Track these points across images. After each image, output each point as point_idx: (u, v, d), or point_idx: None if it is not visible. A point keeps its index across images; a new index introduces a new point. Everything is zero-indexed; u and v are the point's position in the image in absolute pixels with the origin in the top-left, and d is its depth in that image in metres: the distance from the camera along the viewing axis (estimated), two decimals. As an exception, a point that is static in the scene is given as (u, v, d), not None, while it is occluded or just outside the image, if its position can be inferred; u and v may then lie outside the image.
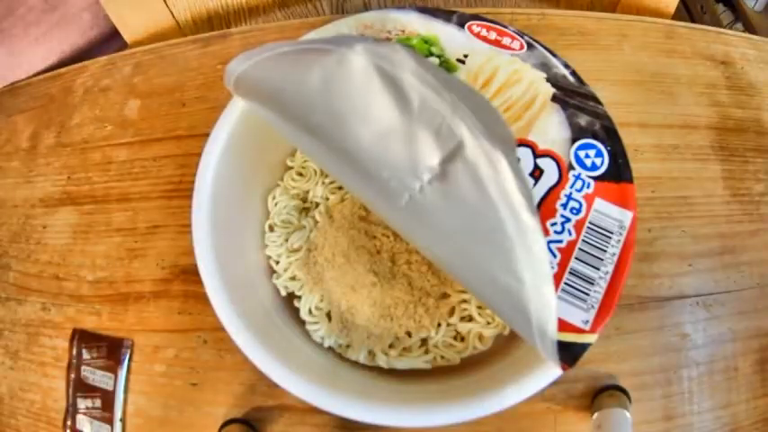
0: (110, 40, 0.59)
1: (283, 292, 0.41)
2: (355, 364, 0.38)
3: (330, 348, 0.39)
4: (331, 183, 0.42)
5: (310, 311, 0.40)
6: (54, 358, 0.45)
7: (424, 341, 0.38)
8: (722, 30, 0.55)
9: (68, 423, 0.44)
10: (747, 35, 0.55)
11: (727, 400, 0.42)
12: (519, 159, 0.28)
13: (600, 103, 0.38)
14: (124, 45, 0.58)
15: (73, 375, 0.44)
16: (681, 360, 0.42)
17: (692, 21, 1.09)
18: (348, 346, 0.39)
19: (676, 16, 0.57)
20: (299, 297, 0.40)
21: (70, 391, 0.44)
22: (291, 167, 0.43)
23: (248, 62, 0.33)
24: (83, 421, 0.44)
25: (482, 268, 0.30)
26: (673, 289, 0.44)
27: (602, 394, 0.40)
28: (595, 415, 0.39)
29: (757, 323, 0.44)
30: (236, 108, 0.38)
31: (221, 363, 0.43)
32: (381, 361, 0.38)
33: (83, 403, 0.44)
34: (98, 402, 0.43)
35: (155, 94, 0.52)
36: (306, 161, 0.43)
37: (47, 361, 0.45)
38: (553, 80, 0.38)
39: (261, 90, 0.33)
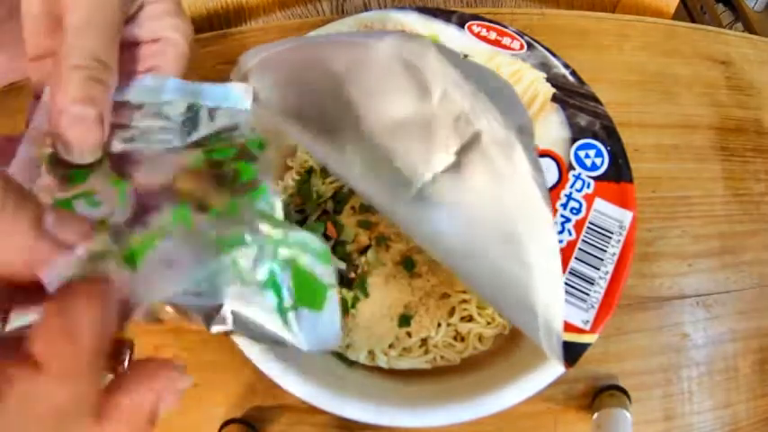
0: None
1: (283, 292, 0.41)
2: (355, 363, 0.38)
3: None
4: (332, 182, 0.42)
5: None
6: (54, 358, 0.45)
7: (424, 341, 0.38)
8: (722, 30, 0.55)
9: (68, 423, 0.44)
10: (747, 35, 0.55)
11: (727, 400, 0.42)
12: (536, 147, 0.28)
13: (600, 103, 0.38)
14: (124, 45, 0.58)
15: (73, 375, 0.44)
16: (681, 360, 0.42)
17: (692, 21, 1.09)
18: (348, 346, 0.39)
19: (676, 16, 0.57)
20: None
21: (70, 391, 0.44)
22: (291, 167, 0.43)
23: (263, 54, 0.33)
24: (83, 421, 0.44)
25: (490, 260, 0.29)
26: (673, 289, 0.44)
27: (602, 394, 0.40)
28: (595, 415, 0.39)
29: (757, 323, 0.44)
30: None
31: (221, 363, 0.43)
32: (381, 361, 0.38)
33: (83, 403, 0.44)
34: (98, 402, 0.43)
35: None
36: (306, 161, 0.43)
37: (47, 361, 0.45)
38: (553, 80, 0.38)
39: (272, 82, 0.33)
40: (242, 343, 0.34)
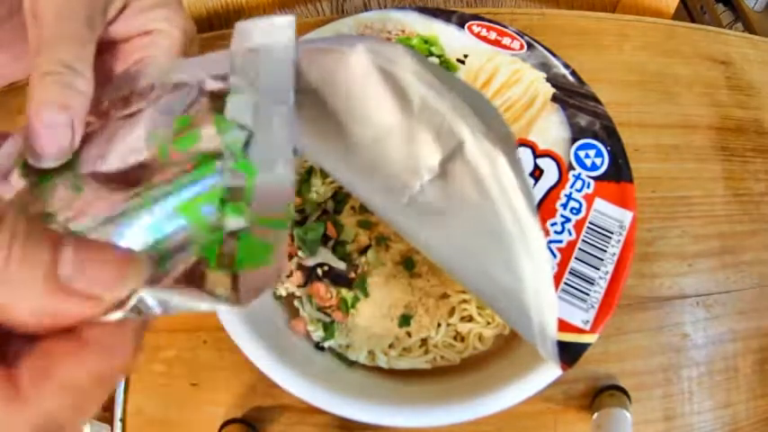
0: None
1: (283, 292, 0.41)
2: (355, 363, 0.38)
3: (330, 348, 0.39)
4: (331, 182, 0.42)
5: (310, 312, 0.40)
6: (54, 358, 0.45)
7: (423, 341, 0.38)
8: (722, 30, 0.55)
9: (68, 423, 0.44)
10: (747, 35, 0.55)
11: (727, 400, 0.42)
12: (519, 159, 0.28)
13: (600, 103, 0.38)
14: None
15: (73, 375, 0.44)
16: (681, 360, 0.42)
17: (692, 21, 1.09)
18: (348, 346, 0.39)
19: (676, 16, 0.57)
20: (299, 297, 0.40)
21: (70, 391, 0.44)
22: (291, 167, 0.43)
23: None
24: (83, 421, 0.44)
25: (482, 268, 0.30)
26: (673, 289, 0.44)
27: (602, 394, 0.40)
28: (595, 415, 0.39)
29: (757, 323, 0.44)
30: None
31: (221, 363, 0.43)
32: (381, 361, 0.38)
33: (83, 403, 0.44)
34: (98, 402, 0.43)
35: (155, 94, 0.52)
36: (305, 161, 0.43)
37: (47, 361, 0.45)
38: (553, 80, 0.38)
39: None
40: (242, 344, 0.34)
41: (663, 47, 0.52)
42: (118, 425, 0.43)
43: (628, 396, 0.40)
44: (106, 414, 0.43)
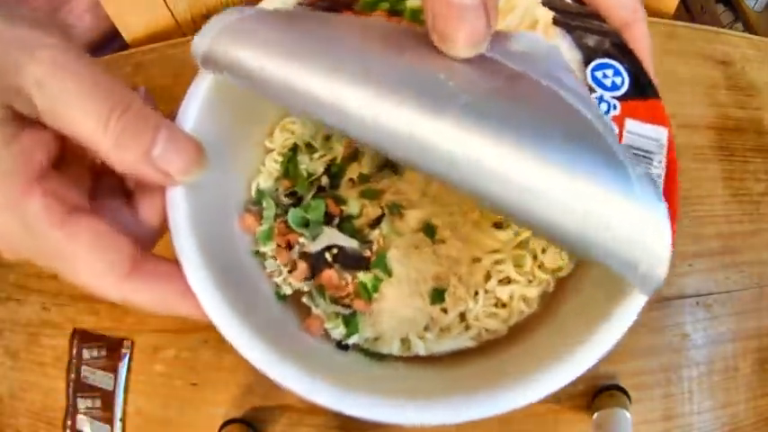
0: (110, 41, 0.59)
1: (288, 291, 0.34)
2: (388, 357, 0.32)
3: (355, 345, 0.33)
4: (321, 156, 0.36)
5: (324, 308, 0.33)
6: (54, 358, 0.45)
7: (462, 316, 0.32)
8: (722, 30, 0.55)
9: (68, 423, 0.44)
10: (747, 35, 0.55)
11: (727, 400, 0.42)
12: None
13: (604, 21, 0.33)
14: (124, 45, 0.58)
15: (73, 375, 0.44)
16: (681, 360, 0.42)
17: (692, 21, 1.08)
18: (377, 339, 0.32)
19: (676, 16, 0.57)
20: (308, 293, 0.34)
21: (70, 391, 0.44)
22: (272, 150, 0.37)
23: (223, 22, 0.31)
24: (83, 421, 0.44)
25: (574, 170, 0.24)
26: (673, 289, 0.44)
27: (602, 394, 0.40)
28: (595, 415, 0.39)
29: (757, 323, 0.44)
30: (203, 88, 0.33)
31: (221, 363, 0.43)
32: (418, 348, 0.32)
33: (83, 403, 0.44)
34: (98, 402, 0.43)
35: (155, 94, 0.52)
36: (287, 138, 0.37)
37: (47, 361, 0.45)
38: (549, 3, 0.33)
39: (257, 37, 0.29)
40: (241, 344, 0.33)
41: (663, 47, 0.52)
42: (118, 425, 0.43)
43: (628, 396, 0.40)
44: (106, 414, 0.43)
